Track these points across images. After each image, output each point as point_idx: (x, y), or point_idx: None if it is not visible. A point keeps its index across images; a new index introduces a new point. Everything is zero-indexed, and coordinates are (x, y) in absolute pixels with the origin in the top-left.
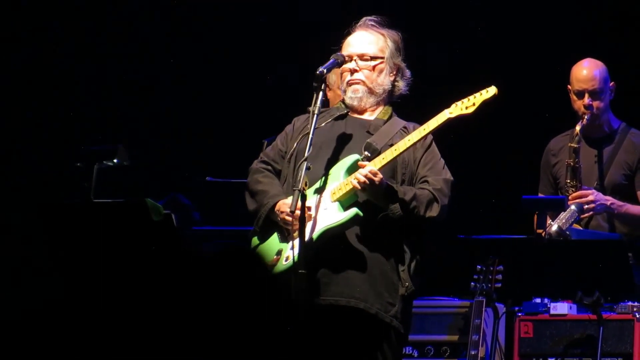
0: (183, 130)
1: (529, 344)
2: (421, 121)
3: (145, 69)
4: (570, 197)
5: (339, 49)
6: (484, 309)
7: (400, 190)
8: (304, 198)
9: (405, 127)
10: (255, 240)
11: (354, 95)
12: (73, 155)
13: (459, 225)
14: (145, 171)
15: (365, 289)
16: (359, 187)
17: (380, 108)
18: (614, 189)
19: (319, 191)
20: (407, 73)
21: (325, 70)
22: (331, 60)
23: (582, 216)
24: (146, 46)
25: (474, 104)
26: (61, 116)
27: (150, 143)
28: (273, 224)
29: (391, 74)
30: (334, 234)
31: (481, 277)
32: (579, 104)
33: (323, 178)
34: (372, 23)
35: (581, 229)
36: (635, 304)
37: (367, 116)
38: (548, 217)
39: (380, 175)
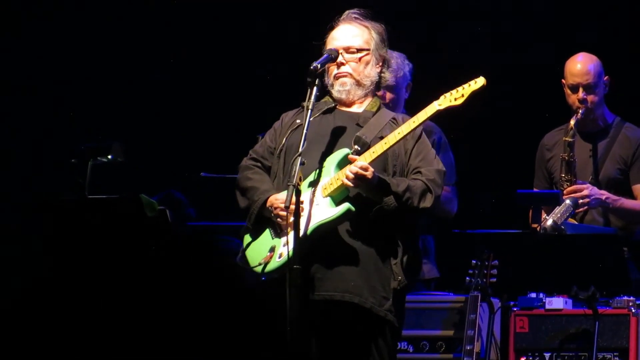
0: (177, 126)
1: (524, 339)
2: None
3: (140, 66)
4: (565, 192)
5: (323, 43)
6: (479, 304)
7: (393, 182)
8: (298, 193)
9: (394, 118)
10: (247, 237)
11: (342, 88)
12: (68, 151)
13: (454, 220)
14: (140, 167)
15: (359, 283)
16: (351, 185)
17: (369, 100)
18: (609, 183)
19: (310, 186)
20: (393, 64)
21: (319, 66)
22: (325, 56)
23: (577, 210)
24: (141, 43)
25: (462, 95)
26: (56, 113)
27: (145, 139)
28: (265, 221)
29: (377, 65)
30: (326, 230)
31: (476, 271)
32: (573, 98)
33: (314, 173)
34: (356, 16)
35: (576, 223)
36: (631, 298)
37: (355, 109)
38: (543, 212)
39: (371, 170)
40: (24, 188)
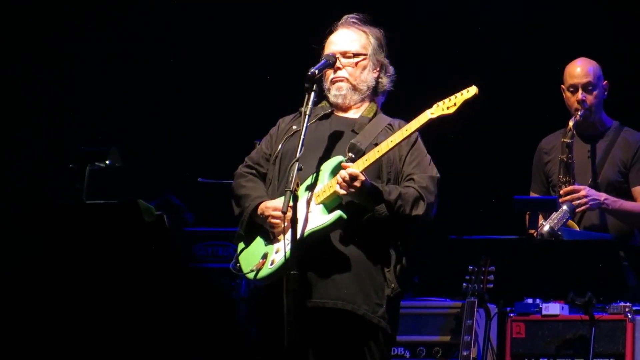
0: (175, 131)
1: (521, 345)
2: (406, 118)
3: (138, 71)
4: (562, 192)
5: (322, 48)
6: (475, 310)
7: (385, 190)
8: (295, 199)
9: (390, 125)
10: (241, 245)
11: (338, 92)
12: (65, 156)
13: (450, 226)
14: (138, 172)
15: (353, 290)
16: (341, 192)
17: (365, 105)
18: (609, 186)
19: (304, 193)
20: (391, 69)
21: (316, 71)
22: (323, 61)
23: (576, 210)
24: (139, 47)
25: (455, 104)
26: (54, 117)
27: (143, 144)
28: (257, 227)
29: (374, 71)
30: (319, 237)
31: (473, 277)
32: (572, 100)
33: (308, 179)
34: (354, 21)
35: (576, 228)
36: (627, 304)
37: (352, 114)
38: (540, 218)
39: (362, 177)
40: (21, 193)
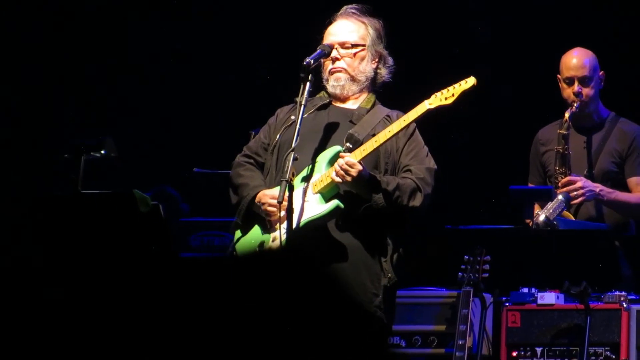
0: (171, 121)
1: (516, 334)
2: (404, 109)
3: (133, 60)
4: (559, 183)
5: (321, 38)
6: (471, 299)
7: (383, 180)
8: (291, 188)
9: (388, 116)
10: (237, 233)
11: (336, 83)
12: (61, 146)
13: (446, 216)
14: (133, 162)
15: (349, 279)
16: (337, 180)
17: (364, 96)
18: (604, 177)
19: (302, 183)
20: (390, 60)
21: (312, 61)
22: (318, 51)
23: (572, 202)
24: (134, 37)
25: (453, 95)
26: (49, 108)
27: (138, 134)
28: (254, 216)
29: (373, 62)
30: (316, 226)
31: (468, 267)
32: (568, 92)
33: (306, 169)
34: (353, 11)
35: (572, 218)
36: (623, 293)
37: (350, 105)
38: (535, 207)
39: (358, 167)
40: (16, 184)
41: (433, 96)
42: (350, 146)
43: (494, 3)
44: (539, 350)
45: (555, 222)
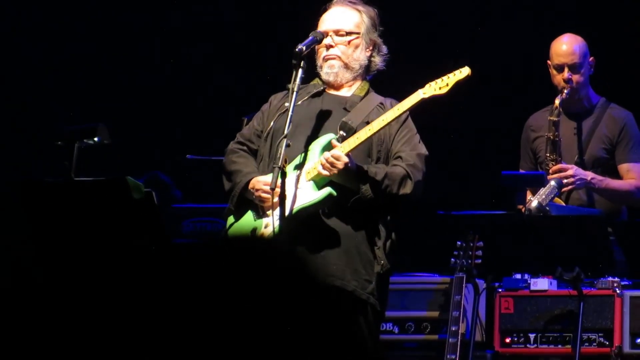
0: (163, 107)
1: (509, 320)
2: (398, 97)
3: (125, 47)
4: (550, 171)
5: (316, 26)
6: (464, 285)
7: (371, 170)
8: (284, 175)
9: (382, 104)
10: (230, 219)
11: (330, 70)
12: (53, 133)
13: (438, 202)
14: (126, 149)
15: (342, 266)
16: (324, 173)
17: (357, 84)
18: (595, 163)
19: (295, 170)
20: (384, 49)
21: (304, 48)
22: (310, 38)
23: (563, 189)
24: (127, 23)
25: (447, 85)
26: (41, 94)
27: (131, 121)
28: (247, 202)
29: (367, 50)
30: (308, 213)
31: (461, 253)
32: (558, 79)
33: (299, 157)
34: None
35: (563, 204)
36: (616, 279)
37: (343, 92)
38: (528, 193)
39: (344, 159)
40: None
41: (427, 85)
42: (344, 134)
43: None
44: (532, 336)
45: (547, 208)
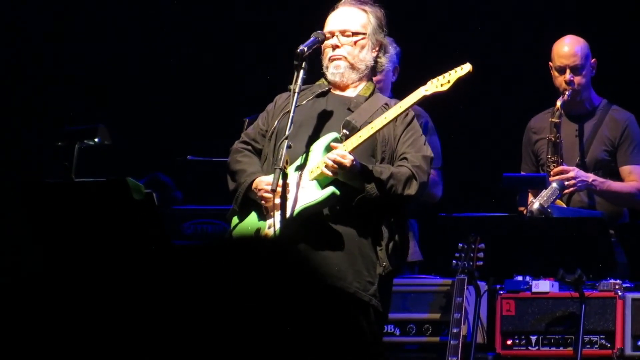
0: (164, 108)
1: (511, 322)
2: (400, 96)
3: (126, 47)
4: (552, 173)
5: (322, 27)
6: (465, 287)
7: (376, 169)
8: (285, 176)
9: (386, 104)
10: (234, 219)
11: (336, 71)
12: (54, 134)
13: (440, 204)
14: (127, 150)
15: (344, 267)
16: (328, 174)
17: (363, 84)
18: (596, 165)
19: (298, 170)
20: (390, 49)
21: (305, 49)
22: (312, 39)
23: (564, 192)
24: (127, 24)
25: (449, 81)
26: (42, 95)
27: (132, 122)
28: (252, 203)
29: (373, 50)
30: (311, 213)
31: (463, 255)
32: (560, 80)
33: (302, 157)
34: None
35: (563, 206)
36: (617, 281)
37: (349, 93)
38: (530, 195)
39: (350, 158)
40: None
41: (429, 82)
42: (347, 133)
43: None
44: (533, 338)
45: (549, 210)
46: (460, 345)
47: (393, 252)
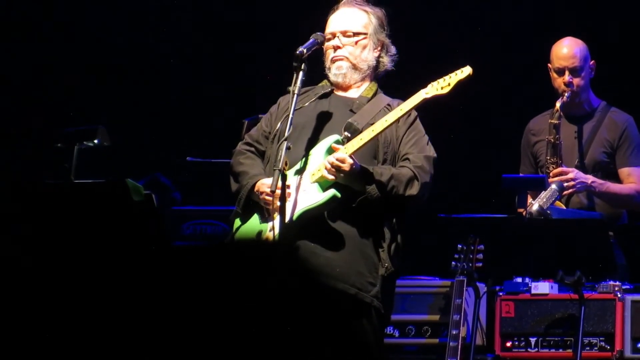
0: (164, 109)
1: (510, 324)
2: (402, 97)
3: (125, 49)
4: (551, 174)
5: (324, 28)
6: (465, 289)
7: (377, 171)
8: (284, 178)
9: (389, 105)
10: (237, 221)
11: (338, 71)
12: (54, 135)
13: (439, 204)
14: (126, 151)
15: (346, 268)
16: (329, 177)
17: (366, 84)
18: (595, 167)
19: (300, 172)
20: (392, 49)
21: (305, 50)
22: (311, 40)
23: (563, 193)
24: (126, 26)
25: (449, 84)
26: (42, 97)
27: (131, 123)
28: (254, 205)
29: (375, 50)
30: (313, 215)
31: (462, 256)
32: (559, 82)
33: (304, 158)
34: (356, 0)
35: (564, 208)
36: (617, 283)
37: (351, 93)
38: (529, 196)
39: (349, 161)
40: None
41: (430, 85)
42: (349, 135)
43: None
44: (533, 340)
45: (548, 211)
46: (459, 346)
47: (395, 253)
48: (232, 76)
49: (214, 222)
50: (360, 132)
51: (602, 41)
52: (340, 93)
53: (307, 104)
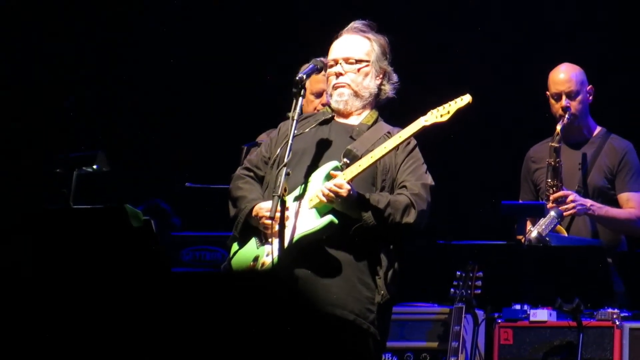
0: (163, 135)
1: (508, 351)
2: (402, 124)
3: (125, 75)
4: (550, 198)
5: (327, 55)
6: (463, 315)
7: (374, 198)
8: (283, 204)
9: (389, 132)
10: (234, 246)
11: (340, 98)
12: (52, 161)
13: (438, 231)
14: (125, 177)
15: (343, 295)
16: (326, 201)
17: (367, 112)
18: (595, 193)
19: (299, 198)
20: (394, 77)
21: (304, 76)
22: (310, 66)
23: (564, 214)
24: (126, 51)
25: (448, 112)
26: (41, 122)
27: (130, 148)
28: (252, 229)
29: (377, 78)
30: (310, 241)
31: (461, 283)
32: (557, 107)
33: (303, 184)
34: (359, 27)
35: (564, 234)
36: (615, 310)
37: (352, 120)
38: (528, 223)
39: (347, 187)
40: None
41: (429, 113)
42: (348, 161)
43: (487, 19)
44: None
45: (547, 238)
46: None
47: (392, 281)
48: (231, 102)
49: (213, 248)
50: (359, 158)
51: (603, 68)
52: (341, 120)
53: (307, 129)
